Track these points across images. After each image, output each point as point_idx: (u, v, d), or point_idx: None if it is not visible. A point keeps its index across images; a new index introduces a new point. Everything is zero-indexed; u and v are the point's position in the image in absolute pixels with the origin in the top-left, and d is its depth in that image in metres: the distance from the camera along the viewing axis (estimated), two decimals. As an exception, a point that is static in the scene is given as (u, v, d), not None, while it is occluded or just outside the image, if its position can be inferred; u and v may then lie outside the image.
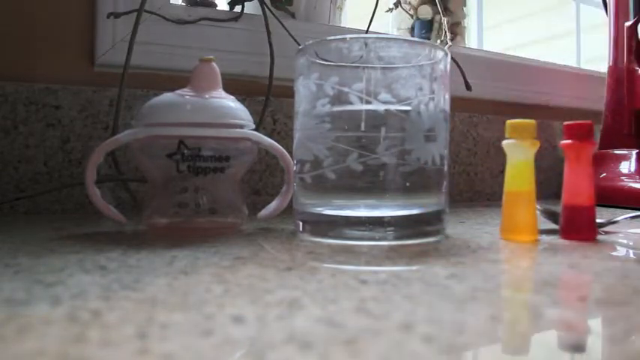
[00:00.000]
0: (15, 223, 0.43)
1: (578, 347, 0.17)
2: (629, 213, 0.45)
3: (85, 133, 0.51)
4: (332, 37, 0.35)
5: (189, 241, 0.33)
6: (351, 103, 0.34)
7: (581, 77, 0.88)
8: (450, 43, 0.72)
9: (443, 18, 0.72)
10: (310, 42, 0.36)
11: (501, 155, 0.37)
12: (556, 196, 0.40)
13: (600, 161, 0.69)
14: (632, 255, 0.33)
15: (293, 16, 0.64)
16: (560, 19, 1.23)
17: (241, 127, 0.39)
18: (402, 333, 0.17)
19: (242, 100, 0.57)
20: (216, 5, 0.61)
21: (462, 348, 0.16)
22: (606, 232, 0.40)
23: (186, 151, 0.36)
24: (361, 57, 0.34)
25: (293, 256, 0.29)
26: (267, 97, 0.56)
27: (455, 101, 0.40)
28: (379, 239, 0.34)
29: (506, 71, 0.79)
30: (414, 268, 0.27)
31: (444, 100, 0.36)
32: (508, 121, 0.36)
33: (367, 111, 0.34)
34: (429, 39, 0.77)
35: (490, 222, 0.46)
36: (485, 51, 0.83)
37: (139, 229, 0.39)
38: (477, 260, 0.29)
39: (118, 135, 0.38)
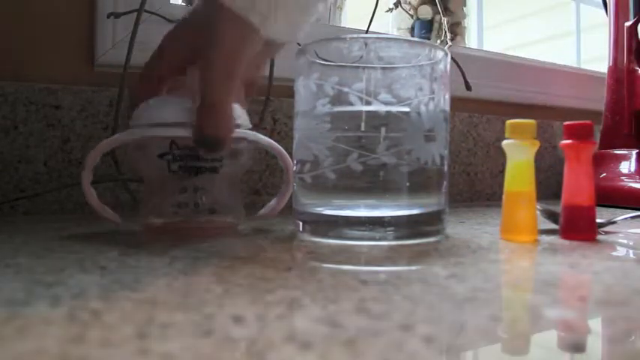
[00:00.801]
0: (15, 223, 0.43)
1: (578, 347, 0.17)
2: (629, 213, 0.45)
3: (85, 133, 0.51)
4: (332, 37, 0.35)
5: (189, 242, 0.33)
6: (351, 104, 0.34)
7: (581, 77, 0.88)
8: (450, 43, 0.72)
9: (443, 18, 0.72)
10: (310, 42, 0.36)
11: (501, 155, 0.37)
12: (556, 196, 0.40)
13: (600, 161, 0.69)
14: (632, 255, 0.33)
15: (293, 16, 0.64)
16: (560, 19, 1.23)
17: (236, 126, 0.38)
18: (402, 333, 0.17)
19: (242, 100, 0.58)
20: (216, 5, 0.61)
21: (462, 348, 0.16)
22: (606, 232, 0.40)
23: (176, 152, 0.36)
24: (361, 57, 0.34)
25: (293, 256, 0.29)
26: (267, 97, 0.56)
27: (455, 101, 0.40)
28: (379, 239, 0.34)
29: (506, 71, 0.79)
30: (414, 268, 0.27)
31: (444, 100, 0.36)
32: (508, 121, 0.36)
33: (367, 111, 0.34)
34: (429, 39, 0.77)
35: (490, 222, 0.46)
36: (485, 51, 0.83)
37: (138, 229, 0.39)
38: (476, 260, 0.29)
39: (115, 135, 0.38)
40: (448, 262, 0.28)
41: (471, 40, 0.93)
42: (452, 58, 0.43)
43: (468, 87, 0.64)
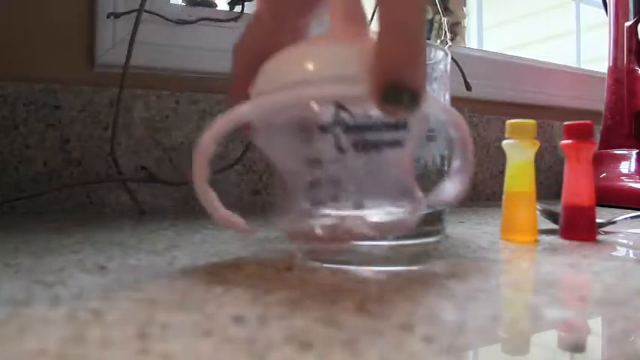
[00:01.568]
0: (15, 223, 0.43)
1: (578, 347, 0.17)
2: (629, 213, 0.45)
3: (85, 133, 0.51)
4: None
5: (189, 241, 0.33)
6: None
7: (581, 77, 0.88)
8: (450, 43, 0.72)
9: (443, 18, 0.72)
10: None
11: (501, 155, 0.37)
12: (556, 196, 0.40)
13: (600, 161, 0.69)
14: (632, 255, 0.33)
15: (293, 16, 0.64)
16: (560, 19, 1.23)
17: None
18: (402, 333, 0.17)
19: (242, 100, 0.58)
20: (216, 5, 0.61)
21: (462, 348, 0.16)
22: (606, 232, 0.40)
23: (350, 119, 0.23)
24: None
25: (293, 256, 0.29)
26: (267, 97, 0.56)
27: (455, 101, 0.40)
28: (379, 239, 0.34)
29: (506, 71, 0.79)
30: (414, 268, 0.27)
31: (444, 100, 0.36)
32: (508, 121, 0.36)
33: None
34: (429, 39, 0.77)
35: (490, 222, 0.46)
36: (485, 51, 0.83)
37: (140, 229, 0.39)
38: (476, 260, 0.29)
39: (239, 108, 0.25)
40: (448, 262, 0.28)
41: (471, 40, 0.93)
42: (452, 58, 0.43)
43: (468, 87, 0.64)
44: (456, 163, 0.30)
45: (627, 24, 0.70)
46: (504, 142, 0.36)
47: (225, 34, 0.58)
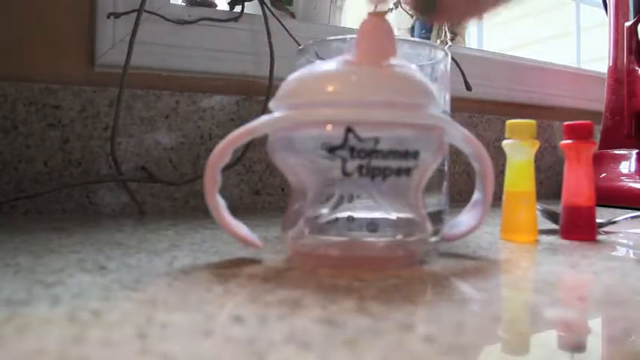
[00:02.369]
0: (15, 223, 0.43)
1: (578, 347, 0.17)
2: (629, 213, 0.45)
3: (85, 133, 0.51)
4: (332, 37, 0.35)
5: (189, 241, 0.33)
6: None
7: (581, 77, 0.88)
8: (450, 43, 0.72)
9: (443, 18, 0.72)
10: (310, 42, 0.36)
11: (501, 155, 0.37)
12: (556, 196, 0.40)
13: (600, 161, 0.69)
14: (632, 255, 0.33)
15: (293, 16, 0.64)
16: (560, 19, 1.23)
17: (427, 107, 0.27)
18: (402, 333, 0.17)
19: (242, 100, 0.58)
20: (216, 5, 0.61)
21: (462, 348, 0.16)
22: (606, 232, 0.40)
23: (356, 144, 0.24)
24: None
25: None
26: (267, 97, 0.56)
27: (455, 101, 0.40)
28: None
29: (506, 71, 0.79)
30: (414, 267, 0.27)
31: (444, 100, 0.36)
32: (508, 121, 0.36)
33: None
34: (429, 39, 0.77)
35: (490, 222, 0.46)
36: (485, 51, 0.83)
37: (140, 229, 0.39)
38: (476, 260, 0.29)
39: (252, 123, 0.26)
40: (448, 262, 0.28)
41: (471, 40, 0.93)
42: (452, 58, 0.43)
43: (468, 87, 0.64)
44: (475, 196, 0.31)
45: (627, 24, 0.70)
46: (504, 142, 0.36)
47: (225, 34, 0.58)
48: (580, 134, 0.36)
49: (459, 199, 0.71)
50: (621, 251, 0.34)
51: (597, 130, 0.74)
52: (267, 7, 0.57)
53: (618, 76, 0.72)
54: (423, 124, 0.26)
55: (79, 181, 0.50)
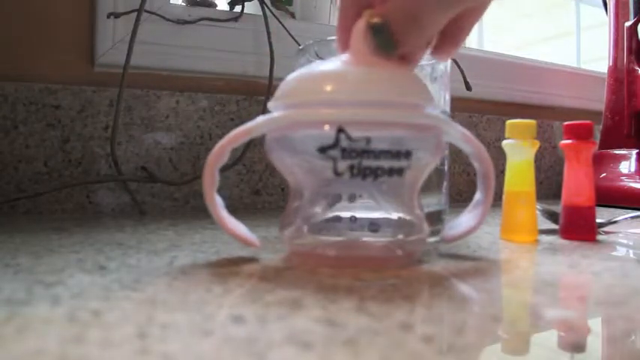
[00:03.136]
0: (15, 223, 0.43)
1: (578, 347, 0.17)
2: (629, 213, 0.45)
3: (85, 133, 0.51)
4: (332, 37, 0.35)
5: (189, 241, 0.33)
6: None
7: (581, 77, 0.88)
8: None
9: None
10: (310, 42, 0.36)
11: (501, 155, 0.37)
12: (556, 196, 0.40)
13: (600, 161, 0.69)
14: (632, 255, 0.33)
15: (293, 16, 0.64)
16: (560, 19, 1.23)
17: (423, 107, 0.27)
18: (402, 333, 0.17)
19: (242, 100, 0.58)
20: (216, 5, 0.61)
21: (462, 348, 0.16)
22: (606, 232, 0.40)
23: (347, 144, 0.24)
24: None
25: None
26: (267, 97, 0.56)
27: (455, 101, 0.40)
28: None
29: (506, 71, 0.79)
30: (414, 268, 0.27)
31: (444, 100, 0.36)
32: (508, 121, 0.36)
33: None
34: (429, 39, 0.77)
35: (490, 222, 0.46)
36: (485, 51, 0.83)
37: (140, 229, 0.39)
38: (476, 260, 0.29)
39: (249, 123, 0.27)
40: (448, 262, 0.28)
41: (471, 40, 0.93)
42: (452, 58, 0.43)
43: (468, 87, 0.64)
44: (477, 196, 0.31)
45: (627, 24, 0.70)
46: (504, 142, 0.36)
47: (225, 34, 0.58)
48: (580, 134, 0.36)
49: (459, 199, 0.71)
50: (621, 251, 0.34)
51: (597, 130, 0.74)
52: (267, 7, 0.57)
53: (618, 76, 0.72)
54: (419, 123, 0.26)
55: (79, 181, 0.50)
